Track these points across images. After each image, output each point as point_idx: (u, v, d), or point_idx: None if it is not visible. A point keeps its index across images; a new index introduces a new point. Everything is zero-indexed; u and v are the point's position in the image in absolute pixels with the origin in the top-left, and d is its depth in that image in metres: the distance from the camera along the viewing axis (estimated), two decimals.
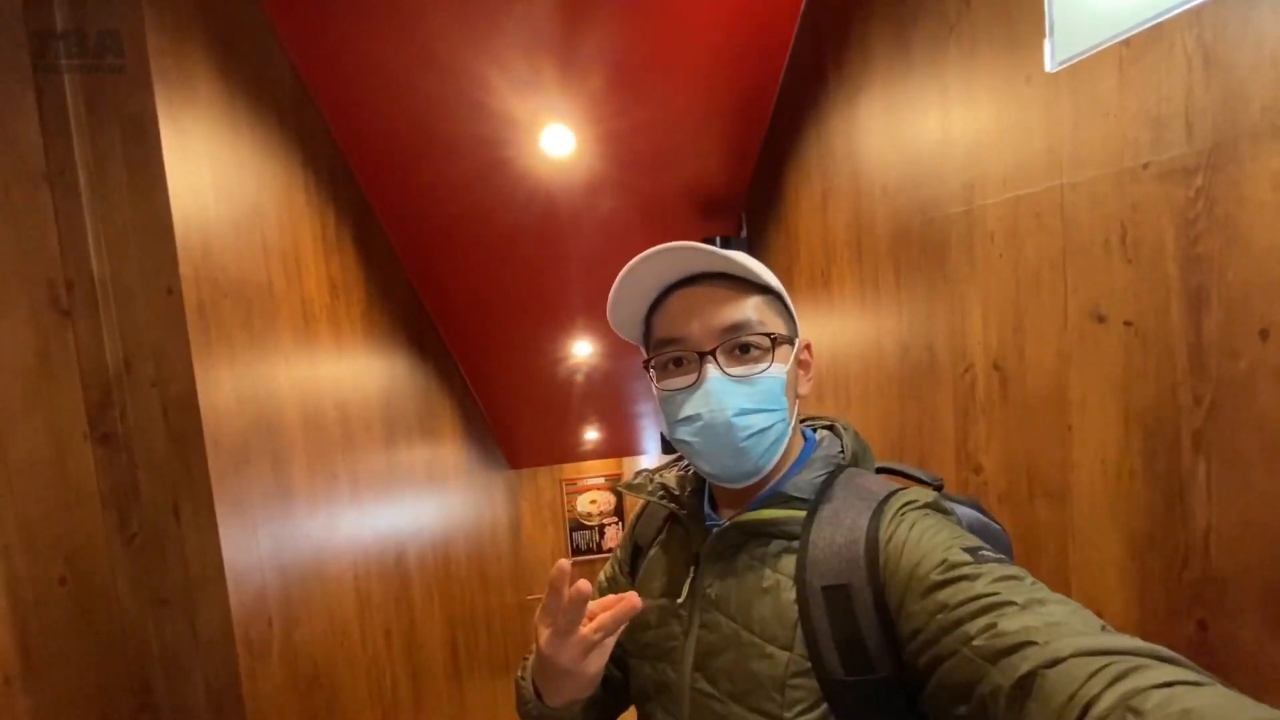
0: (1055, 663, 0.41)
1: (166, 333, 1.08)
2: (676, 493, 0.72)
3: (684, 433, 0.64)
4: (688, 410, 0.63)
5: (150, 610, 1.10)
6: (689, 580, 0.66)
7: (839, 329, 1.65)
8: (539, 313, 2.92)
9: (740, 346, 0.63)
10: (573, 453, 5.22)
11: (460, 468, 3.28)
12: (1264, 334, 0.62)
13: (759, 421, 0.62)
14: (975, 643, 0.46)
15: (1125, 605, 0.80)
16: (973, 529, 0.66)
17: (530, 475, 6.85)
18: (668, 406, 0.66)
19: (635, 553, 0.80)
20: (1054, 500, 0.91)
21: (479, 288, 2.66)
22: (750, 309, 0.63)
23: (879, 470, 0.73)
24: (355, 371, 1.88)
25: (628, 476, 0.77)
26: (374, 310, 2.07)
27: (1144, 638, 0.78)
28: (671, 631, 0.66)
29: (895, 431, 1.37)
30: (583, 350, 3.42)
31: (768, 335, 0.63)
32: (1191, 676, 0.38)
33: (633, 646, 0.71)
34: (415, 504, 2.43)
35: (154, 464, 1.09)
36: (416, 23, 1.59)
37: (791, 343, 0.66)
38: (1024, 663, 0.43)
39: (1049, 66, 0.74)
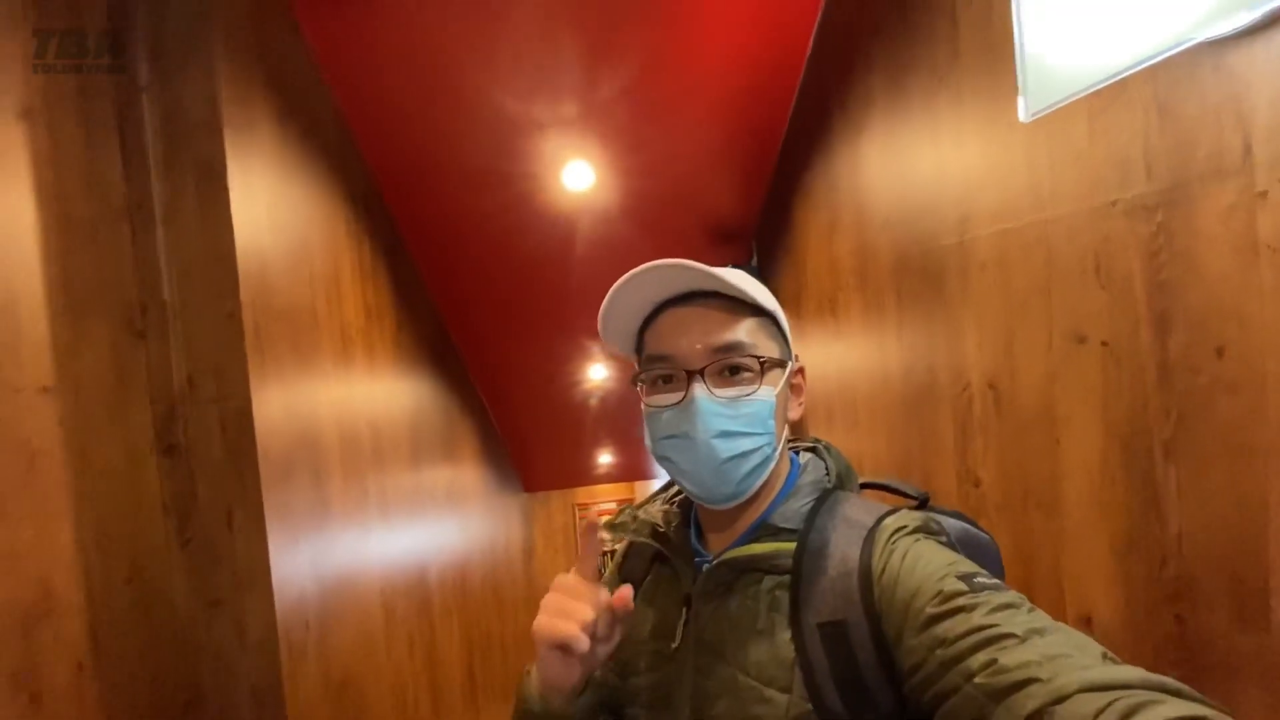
0: (1061, 699, 0.41)
1: (226, 353, 1.19)
2: (662, 529, 0.70)
3: (666, 449, 0.64)
4: (671, 428, 0.63)
5: (202, 611, 1.18)
6: (681, 623, 0.64)
7: (846, 353, 1.73)
8: (556, 338, 3.03)
9: (729, 368, 0.62)
10: (586, 476, 5.28)
11: (478, 490, 3.36)
12: (1220, 351, 0.70)
13: (743, 445, 0.62)
14: (978, 680, 0.45)
15: (1112, 605, 0.86)
16: (960, 541, 0.66)
17: (543, 499, 6.89)
18: (653, 422, 0.65)
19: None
20: (1046, 509, 0.98)
21: (500, 314, 2.77)
22: (742, 331, 0.63)
23: (864, 486, 0.73)
24: (386, 392, 1.98)
25: (640, 499, 0.79)
26: (403, 334, 2.18)
27: (1130, 635, 0.85)
28: (666, 677, 0.64)
29: (900, 449, 1.44)
30: (597, 374, 3.51)
31: (757, 358, 0.62)
32: (1196, 711, 0.38)
33: (625, 694, 0.68)
34: (437, 523, 2.51)
35: (211, 474, 1.18)
36: (450, 69, 1.73)
37: (784, 366, 0.65)
38: (1029, 700, 0.42)
39: (1022, 118, 0.83)
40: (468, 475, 3.13)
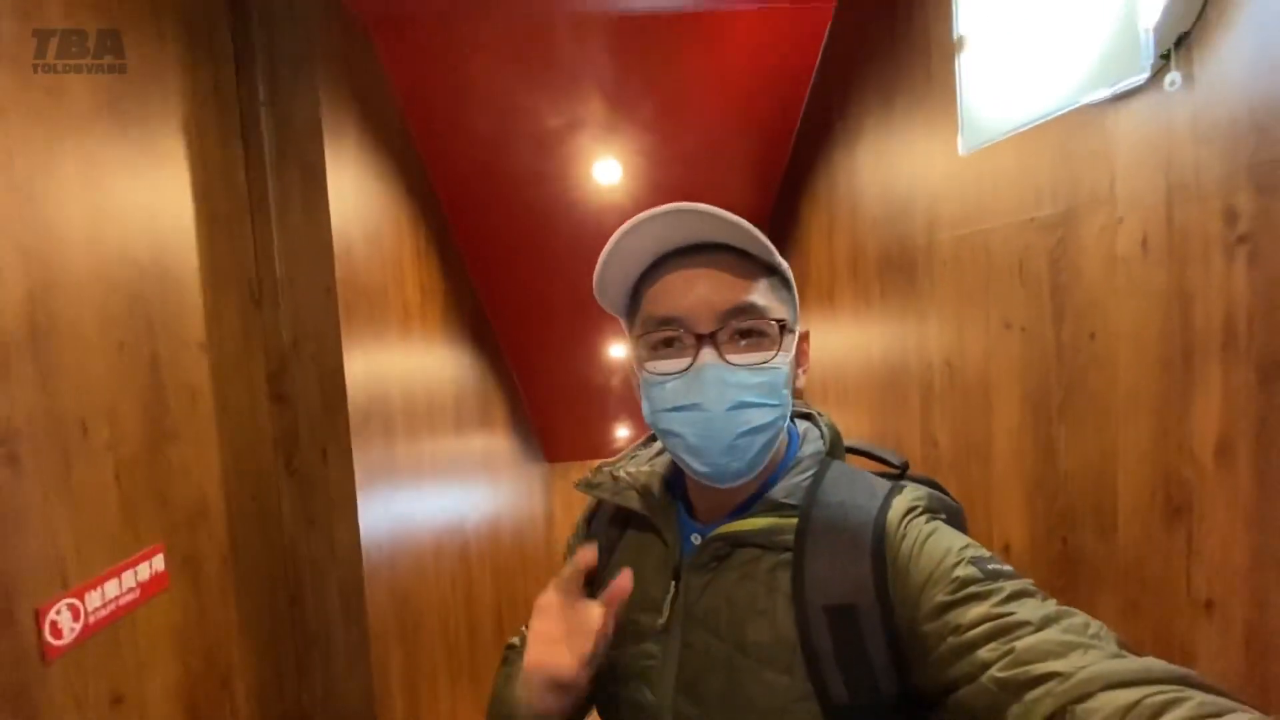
0: (1085, 697, 0.40)
1: (324, 321, 1.46)
2: (653, 495, 0.65)
3: (673, 423, 0.58)
4: (679, 399, 0.57)
5: (302, 528, 1.48)
6: (669, 596, 0.61)
7: (841, 338, 1.97)
8: (582, 319, 3.30)
9: (744, 332, 0.57)
10: (605, 449, 5.58)
11: (507, 456, 3.66)
12: (1092, 336, 0.93)
13: (758, 417, 0.57)
14: (994, 672, 0.45)
15: (1023, 533, 1.11)
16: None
17: (563, 470, 7.19)
18: (654, 391, 0.59)
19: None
20: (981, 461, 1.22)
21: (532, 296, 3.04)
22: (759, 291, 0.57)
23: (849, 451, 0.70)
24: (436, 363, 2.27)
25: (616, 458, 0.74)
26: (449, 312, 2.46)
27: (1034, 556, 1.09)
28: (646, 649, 0.61)
29: (880, 418, 1.69)
30: (618, 353, 3.78)
31: (777, 322, 0.57)
32: (1221, 705, 0.38)
33: (602, 668, 0.62)
34: (475, 483, 2.81)
35: (310, 418, 1.47)
36: (500, 85, 1.98)
37: (794, 331, 0.61)
38: (1049, 697, 0.42)
39: (961, 151, 1.06)
40: (499, 442, 3.43)
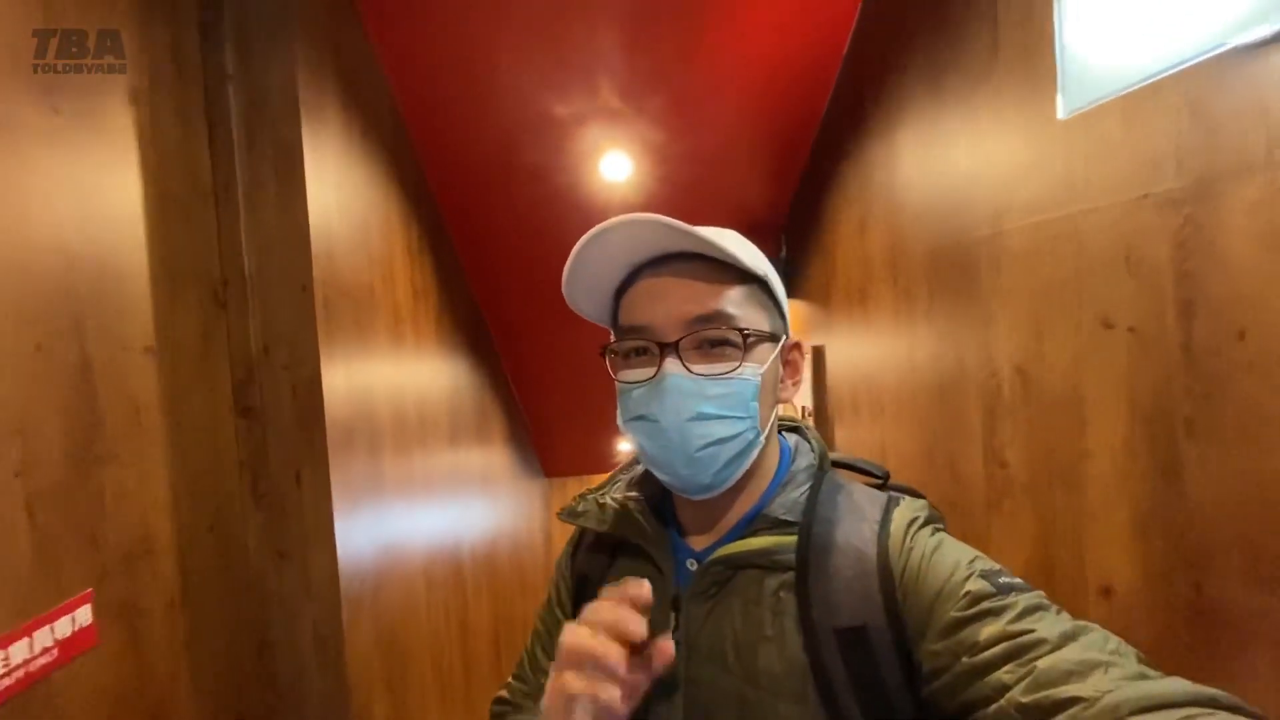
0: None
1: (299, 324, 1.28)
2: (641, 522, 0.62)
3: (636, 432, 0.58)
4: (641, 408, 0.56)
5: (271, 562, 1.28)
6: (669, 629, 0.57)
7: (875, 344, 1.79)
8: (586, 328, 3.11)
9: (709, 342, 0.55)
10: (605, 463, 5.38)
11: (505, 471, 3.46)
12: (1241, 334, 0.75)
13: (719, 430, 0.55)
14: (1014, 695, 0.43)
15: (1130, 575, 0.92)
16: None
17: (560, 485, 6.99)
18: (623, 401, 0.59)
19: (580, 584, 0.68)
20: (1070, 487, 1.03)
21: (533, 302, 2.86)
22: (727, 300, 0.55)
23: (833, 465, 0.67)
24: (429, 372, 2.08)
25: (599, 484, 0.70)
26: (444, 316, 2.27)
27: (1148, 602, 0.90)
28: (650, 690, 0.55)
29: (927, 435, 1.50)
30: None
31: (740, 331, 0.55)
32: None
33: None
34: (470, 502, 2.61)
35: (282, 435, 1.28)
36: (499, 69, 1.81)
37: (776, 340, 0.59)
38: None
39: (1060, 115, 0.88)
40: (497, 457, 3.23)
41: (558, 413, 3.91)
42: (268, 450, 1.27)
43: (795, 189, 2.42)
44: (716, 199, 2.45)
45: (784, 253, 2.58)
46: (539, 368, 3.32)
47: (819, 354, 2.19)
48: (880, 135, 1.68)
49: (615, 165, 2.21)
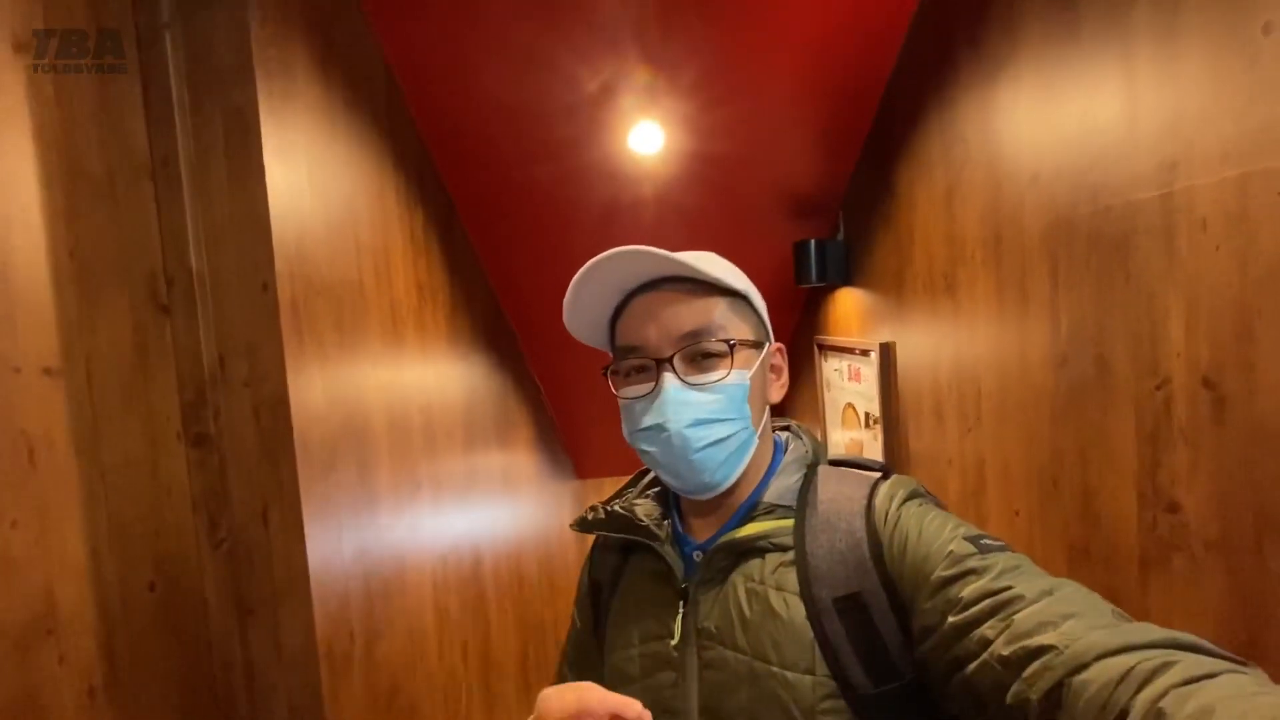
0: (1080, 668, 0.41)
1: (260, 330, 1.04)
2: (643, 522, 0.66)
3: (641, 442, 0.63)
4: (646, 420, 0.62)
5: (236, 620, 1.06)
6: (679, 616, 0.62)
7: (965, 338, 1.47)
8: None
9: (700, 354, 0.61)
10: (640, 462, 5.14)
11: (532, 476, 3.23)
12: None
13: (716, 432, 0.61)
14: (995, 648, 0.45)
15: None
16: None
17: (595, 486, 6.79)
18: (627, 415, 0.65)
19: (595, 591, 0.75)
20: None
21: (559, 293, 2.60)
22: (710, 314, 0.62)
23: (830, 463, 0.70)
24: (439, 376, 1.84)
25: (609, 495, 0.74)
26: (457, 314, 2.03)
27: None
28: (663, 679, 0.62)
29: (1044, 456, 1.19)
30: None
31: (725, 341, 0.61)
32: (1214, 666, 0.37)
33: None
34: (492, 512, 2.38)
35: (245, 467, 1.05)
36: (508, 23, 1.53)
37: (759, 346, 0.65)
38: (1047, 671, 0.42)
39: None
40: (522, 461, 3.00)
41: (589, 413, 3.66)
42: (227, 486, 1.04)
43: (855, 161, 2.10)
44: (762, 173, 2.14)
45: (841, 234, 2.25)
46: (567, 366, 3.07)
47: (887, 351, 1.87)
48: (976, 82, 1.35)
49: (646, 136, 1.92)
